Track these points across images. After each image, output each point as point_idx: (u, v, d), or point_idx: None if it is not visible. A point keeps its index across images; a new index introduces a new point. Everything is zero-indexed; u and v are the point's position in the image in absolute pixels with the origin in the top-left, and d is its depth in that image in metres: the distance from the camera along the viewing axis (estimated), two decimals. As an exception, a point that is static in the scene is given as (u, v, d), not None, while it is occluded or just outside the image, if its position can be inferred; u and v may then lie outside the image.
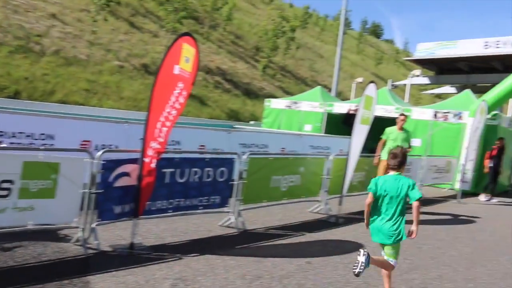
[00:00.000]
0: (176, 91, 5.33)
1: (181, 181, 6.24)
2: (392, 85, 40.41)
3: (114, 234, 5.87)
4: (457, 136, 15.29)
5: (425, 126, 16.22)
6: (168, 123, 5.39)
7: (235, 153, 7.12)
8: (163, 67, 5.31)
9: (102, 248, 5.36)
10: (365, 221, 4.89)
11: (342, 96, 42.09)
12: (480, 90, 36.53)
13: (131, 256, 5.28)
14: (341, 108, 19.55)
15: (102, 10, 27.84)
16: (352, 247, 6.72)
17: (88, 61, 23.94)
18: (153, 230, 6.35)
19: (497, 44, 35.57)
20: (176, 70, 5.29)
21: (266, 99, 22.81)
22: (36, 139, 7.02)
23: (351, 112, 17.59)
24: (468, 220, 10.00)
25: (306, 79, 47.95)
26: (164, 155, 5.75)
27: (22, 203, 4.76)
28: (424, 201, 11.86)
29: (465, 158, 13.30)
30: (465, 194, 13.81)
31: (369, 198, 4.73)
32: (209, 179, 6.63)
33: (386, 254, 4.77)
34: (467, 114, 14.96)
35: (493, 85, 17.43)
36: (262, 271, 5.29)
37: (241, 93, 35.84)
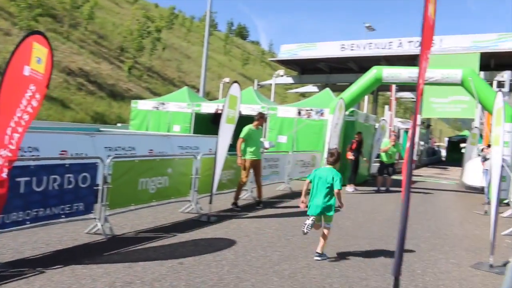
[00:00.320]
0: (28, 94, 4.88)
1: (39, 189, 5.79)
2: (258, 84, 41.65)
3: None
4: (320, 132, 16.21)
5: (290, 123, 16.97)
6: (20, 129, 4.91)
7: (98, 158, 6.79)
8: (10, 68, 4.81)
9: None
10: (302, 198, 6.59)
11: (210, 96, 42.49)
12: (339, 89, 39.10)
13: (-17, 275, 4.79)
14: (208, 108, 19.71)
15: None
16: (224, 244, 6.78)
17: None
18: (9, 244, 5.83)
19: (352, 47, 38.41)
20: (26, 71, 4.85)
21: (133, 101, 22.22)
22: None
23: (219, 111, 17.78)
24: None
25: (174, 79, 47.60)
26: (18, 163, 5.29)
27: None
28: (292, 195, 12.45)
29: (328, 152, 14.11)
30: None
31: (306, 184, 6.61)
32: (70, 186, 6.23)
33: (325, 221, 6.56)
34: (327, 111, 15.92)
35: (350, 84, 18.73)
36: (132, 276, 5.11)
37: (107, 95, 34.54)
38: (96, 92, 33.78)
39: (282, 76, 40.10)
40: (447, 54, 31.86)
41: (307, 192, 6.55)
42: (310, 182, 6.54)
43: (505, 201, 12.38)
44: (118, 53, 43.85)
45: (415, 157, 32.47)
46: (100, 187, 6.59)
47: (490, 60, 34.55)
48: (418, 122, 34.26)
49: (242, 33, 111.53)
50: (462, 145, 27.33)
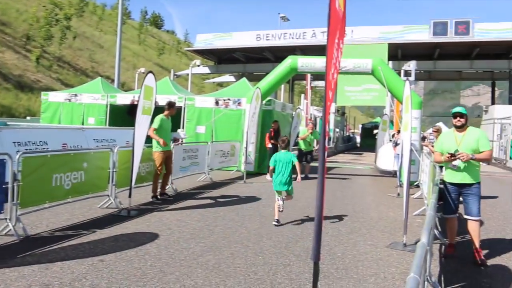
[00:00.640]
0: None
1: None
2: (175, 75, 41.12)
3: None
4: (238, 122, 16.29)
5: (208, 114, 16.89)
6: None
7: (6, 154, 6.35)
8: None
9: None
10: (269, 173, 8.70)
11: (125, 87, 41.30)
12: (256, 78, 39.52)
13: None
14: (124, 99, 19.16)
15: None
16: (146, 238, 6.63)
17: None
18: None
19: (267, 37, 38.85)
20: None
21: (43, 92, 21.11)
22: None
23: (135, 102, 17.34)
24: (254, 198, 10.71)
25: (87, 70, 45.74)
26: None
27: None
28: (213, 185, 12.44)
29: (247, 142, 14.22)
30: (250, 174, 14.83)
31: (271, 167, 8.35)
32: (-25, 185, 5.81)
33: (288, 193, 8.39)
34: (245, 101, 16.01)
35: (266, 73, 18.94)
36: (50, 278, 4.86)
37: (13, 87, 32.53)
38: (0, 83, 31.70)
39: (198, 66, 39.83)
40: (357, 44, 33.13)
41: (272, 171, 8.36)
42: (274, 166, 8.27)
43: (415, 183, 13.12)
44: (24, 42, 41.33)
45: (331, 144, 33.61)
46: (9, 185, 6.18)
47: (397, 51, 36.42)
48: (333, 110, 35.49)
49: (156, 22, 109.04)
50: (375, 131, 28.64)
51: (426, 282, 4.29)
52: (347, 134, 52.21)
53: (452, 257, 6.34)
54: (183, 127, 17.06)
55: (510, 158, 26.12)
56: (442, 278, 5.49)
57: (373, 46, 31.88)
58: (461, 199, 6.33)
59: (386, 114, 24.63)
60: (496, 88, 47.24)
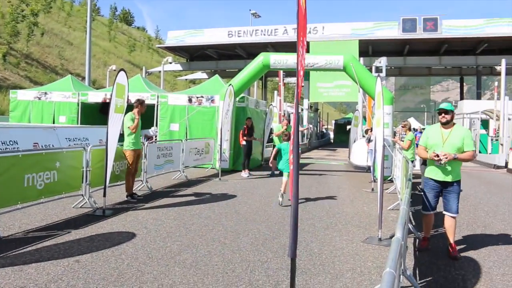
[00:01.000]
0: None
1: None
2: (147, 72, 40.70)
3: None
4: (212, 119, 16.26)
5: (182, 111, 16.79)
6: None
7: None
8: None
9: None
10: (271, 160, 10.78)
11: (96, 85, 40.74)
12: (228, 75, 39.44)
13: None
14: (96, 97, 18.90)
15: None
16: (122, 237, 6.57)
17: None
18: None
19: (239, 33, 38.81)
20: None
21: (12, 91, 20.60)
22: None
23: (107, 100, 17.13)
24: (230, 196, 10.71)
25: (56, 67, 44.88)
26: None
27: None
28: (188, 183, 12.40)
29: (221, 139, 14.21)
30: (225, 171, 14.83)
31: (274, 151, 10.49)
32: None
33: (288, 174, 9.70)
34: (218, 98, 15.98)
35: (239, 70, 18.92)
36: (24, 280, 4.77)
37: (-21, 85, 31.67)
38: (-35, 82, 30.90)
39: (171, 63, 39.52)
40: (329, 41, 33.40)
41: (274, 157, 10.42)
42: (278, 150, 10.35)
43: (389, 178, 13.33)
44: (-11, 39, 40.29)
45: (305, 140, 33.83)
46: (-20, 186, 6.05)
47: (368, 47, 36.89)
48: (306, 106, 35.72)
49: (126, 18, 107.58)
50: (348, 127, 28.96)
51: (401, 276, 4.38)
52: (321, 130, 52.62)
53: (426, 250, 6.46)
54: (156, 125, 16.94)
55: (480, 152, 26.77)
56: (417, 271, 5.60)
57: (344, 43, 32.24)
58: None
59: (357, 110, 24.93)
60: (464, 84, 48.26)
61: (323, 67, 15.89)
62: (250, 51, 40.24)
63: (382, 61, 21.36)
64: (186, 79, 59.35)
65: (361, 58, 27.86)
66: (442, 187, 6.27)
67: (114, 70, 35.09)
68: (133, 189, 10.01)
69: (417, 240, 6.97)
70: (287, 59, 15.68)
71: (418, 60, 39.74)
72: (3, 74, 36.23)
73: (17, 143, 11.33)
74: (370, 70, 21.58)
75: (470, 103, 33.74)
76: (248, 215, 8.53)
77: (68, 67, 46.44)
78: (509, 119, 24.19)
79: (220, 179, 13.56)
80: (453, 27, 34.60)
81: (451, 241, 6.26)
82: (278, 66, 16.14)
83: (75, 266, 5.27)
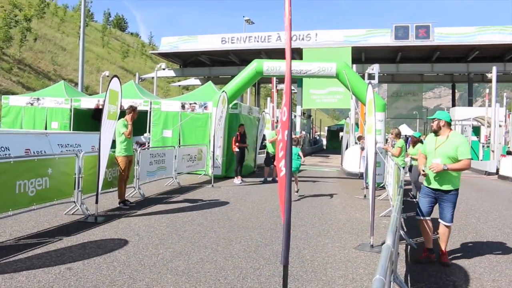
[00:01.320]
0: None
1: None
2: (140, 78, 40.66)
3: None
4: (205, 126, 16.27)
5: (175, 117, 16.79)
6: None
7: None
8: None
9: None
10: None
11: (89, 91, 40.66)
12: (221, 82, 39.49)
13: None
14: (89, 103, 18.87)
15: None
16: (114, 245, 6.55)
17: None
18: None
19: (232, 40, 38.89)
20: None
21: (4, 96, 20.55)
22: None
23: (100, 106, 17.12)
24: (222, 203, 10.70)
25: (49, 73, 44.73)
26: None
27: None
28: (181, 189, 12.39)
29: (214, 145, 14.21)
30: (218, 178, 14.82)
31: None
32: None
33: (295, 173, 12.01)
34: (211, 105, 15.99)
35: (232, 76, 18.97)
36: None
37: (-29, 91, 31.50)
38: (-43, 87, 30.73)
39: (164, 69, 39.49)
40: (322, 48, 33.54)
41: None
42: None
43: (381, 185, 13.38)
44: (-18, 44, 40.11)
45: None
46: (-28, 193, 6.02)
47: (361, 54, 37.07)
48: (299, 113, 35.79)
49: (120, 24, 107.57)
50: (341, 134, 29.07)
51: (393, 283, 4.40)
52: (314, 136, 52.71)
53: (426, 262, 6.24)
54: (149, 131, 16.93)
55: (472, 159, 26.89)
56: (409, 278, 5.63)
57: (337, 50, 32.41)
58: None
59: (348, 117, 25.03)
60: (456, 91, 48.59)
61: (316, 74, 15.96)
62: (243, 57, 40.33)
63: (374, 68, 21.46)
64: (179, 85, 59.31)
65: (354, 65, 28.00)
66: (437, 195, 6.19)
67: (107, 76, 35.03)
68: (126, 195, 9.99)
69: (409, 246, 7.00)
70: (280, 66, 15.74)
71: (411, 67, 39.99)
72: (-5, 80, 36.09)
73: (8, 149, 11.29)
74: (363, 77, 21.71)
75: (461, 110, 33.98)
76: (241, 222, 8.54)
77: (61, 73, 46.31)
78: (500, 126, 24.38)
79: (212, 185, 13.56)
80: (445, 35, 34.87)
81: (443, 248, 6.25)
82: (271, 73, 16.19)
83: (66, 273, 5.25)
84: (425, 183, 6.34)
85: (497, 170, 21.25)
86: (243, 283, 5.21)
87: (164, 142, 16.52)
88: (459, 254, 6.72)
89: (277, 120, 29.31)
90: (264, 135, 19.21)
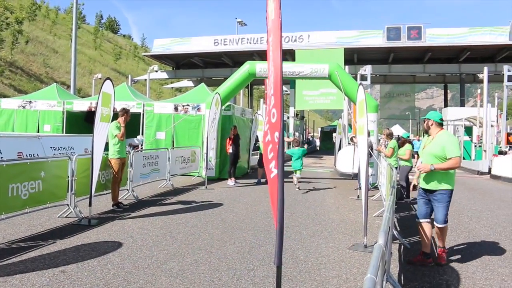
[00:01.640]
0: None
1: None
2: (133, 80, 40.57)
3: None
4: (198, 127, 16.28)
5: (168, 120, 16.79)
6: None
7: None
8: None
9: None
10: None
11: (82, 93, 40.51)
12: (214, 83, 39.48)
13: None
14: (81, 105, 18.82)
15: None
16: (108, 247, 6.55)
17: None
18: None
19: (225, 42, 38.89)
20: None
21: (-5, 99, 20.41)
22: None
23: (93, 109, 17.07)
24: (216, 204, 10.71)
25: (41, 75, 44.53)
26: None
27: None
28: (175, 191, 12.38)
29: (207, 147, 14.21)
30: (212, 180, 14.82)
31: (288, 155, 14.32)
32: None
33: (298, 173, 14.03)
34: (204, 106, 16.00)
35: (225, 78, 18.97)
36: (8, 291, 4.75)
37: (-38, 94, 31.31)
38: (-51, 91, 30.53)
39: (157, 71, 39.43)
40: (314, 49, 33.60)
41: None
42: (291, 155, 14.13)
43: (374, 185, 13.43)
44: (-27, 47, 39.89)
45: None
46: (-36, 197, 5.99)
47: (353, 55, 37.17)
48: (292, 114, 35.82)
49: (112, 26, 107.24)
50: (334, 134, 29.14)
51: (387, 282, 4.43)
52: (307, 137, 52.80)
53: (421, 265, 6.16)
54: (142, 134, 16.92)
55: (464, 159, 27.05)
56: (402, 277, 5.66)
57: (329, 51, 32.45)
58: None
59: (340, 118, 25.11)
60: (448, 91, 48.85)
61: (308, 76, 16.00)
62: (236, 59, 40.33)
63: (367, 69, 21.51)
64: (172, 87, 59.28)
65: (346, 66, 28.12)
66: (429, 195, 6.15)
67: (100, 79, 34.94)
68: (119, 198, 9.98)
69: (403, 246, 7.04)
70: (272, 68, 15.73)
71: (403, 68, 40.15)
72: (-13, 83, 35.90)
73: (1, 153, 11.23)
74: (356, 78, 21.75)
75: (454, 110, 34.11)
76: (235, 223, 8.55)
77: (53, 76, 46.13)
78: (491, 126, 24.52)
79: (206, 187, 13.56)
80: (436, 36, 35.05)
81: (439, 247, 6.28)
82: (264, 75, 16.21)
83: (60, 276, 5.24)
84: (420, 184, 6.31)
85: (489, 169, 21.38)
86: (237, 284, 5.23)
87: (157, 144, 16.51)
88: (452, 253, 6.76)
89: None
90: (257, 137, 19.23)
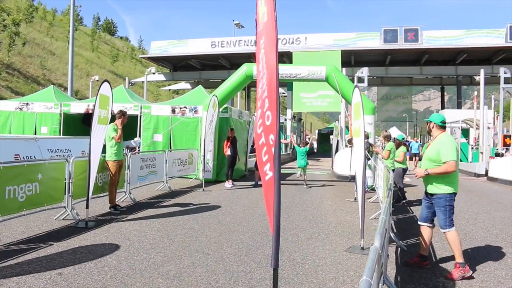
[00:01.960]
0: None
1: None
2: (130, 82, 40.56)
3: None
4: (195, 130, 16.29)
5: (165, 122, 16.79)
6: None
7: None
8: None
9: None
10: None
11: (79, 95, 40.46)
12: (212, 85, 39.48)
13: None
14: (78, 107, 18.82)
15: None
16: (105, 249, 6.54)
17: None
18: None
19: (222, 44, 38.93)
20: None
21: (-8, 101, 20.38)
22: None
23: (90, 111, 17.07)
24: (213, 207, 10.72)
25: (38, 77, 44.46)
26: None
27: None
28: (172, 194, 12.37)
29: (204, 149, 14.22)
30: (209, 182, 14.82)
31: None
32: None
33: (303, 169, 15.59)
34: (201, 109, 16.01)
35: (222, 80, 18.99)
36: (5, 293, 4.74)
37: (-41, 96, 31.23)
38: None
39: (154, 73, 39.39)
40: (311, 51, 33.66)
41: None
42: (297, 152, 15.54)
43: (371, 187, 13.45)
44: (-30, 49, 39.79)
45: (289, 150, 33.94)
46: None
47: (350, 57, 37.24)
48: (289, 116, 35.86)
49: (109, 28, 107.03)
50: (331, 137, 29.21)
51: (383, 284, 4.45)
52: (304, 139, 52.79)
53: (417, 267, 6.17)
54: (139, 136, 16.91)
55: (461, 161, 27.11)
56: (399, 279, 5.67)
57: (327, 53, 32.49)
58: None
59: (337, 120, 25.15)
60: (445, 93, 48.97)
61: (306, 78, 16.03)
62: (233, 61, 40.36)
63: (364, 71, 21.55)
64: (169, 90, 59.26)
65: (344, 68, 28.10)
66: (431, 199, 6.06)
67: (97, 81, 34.91)
68: (116, 200, 9.98)
69: (399, 248, 7.06)
70: (270, 70, 15.75)
71: (400, 70, 40.27)
72: (-16, 85, 35.82)
73: (-3, 155, 11.21)
74: (353, 80, 21.80)
75: (451, 112, 34.21)
76: (232, 226, 8.56)
77: (50, 78, 46.06)
78: (488, 128, 24.59)
79: (203, 189, 13.56)
80: (433, 38, 35.17)
81: (455, 258, 5.92)
82: (261, 77, 16.21)
83: (57, 279, 5.24)
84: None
85: (486, 171, 21.43)
86: (234, 287, 5.23)
87: (154, 147, 16.51)
88: (448, 256, 6.77)
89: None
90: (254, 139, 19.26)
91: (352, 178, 14.98)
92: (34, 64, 47.10)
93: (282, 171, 19.66)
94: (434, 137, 6.16)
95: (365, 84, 20.97)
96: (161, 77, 45.55)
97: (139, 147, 16.57)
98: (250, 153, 19.39)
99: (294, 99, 33.27)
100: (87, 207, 8.34)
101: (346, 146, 19.04)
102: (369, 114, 14.89)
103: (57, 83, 43.11)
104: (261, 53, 4.30)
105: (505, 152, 22.45)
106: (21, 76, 42.40)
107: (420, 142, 30.09)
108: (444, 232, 5.98)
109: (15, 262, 5.83)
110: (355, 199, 12.26)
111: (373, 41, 35.96)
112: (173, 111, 16.79)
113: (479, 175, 21.75)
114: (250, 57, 37.21)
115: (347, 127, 24.21)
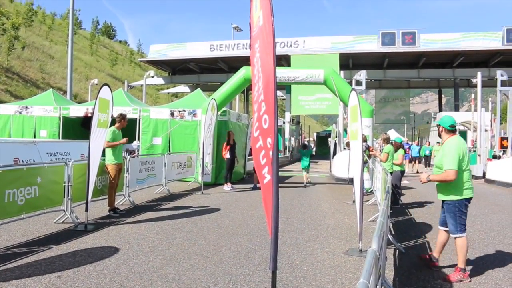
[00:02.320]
0: None
1: None
2: (129, 86, 40.58)
3: None
4: (194, 133, 16.31)
5: (164, 125, 16.82)
6: None
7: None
8: None
9: None
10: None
11: (78, 99, 40.46)
12: (210, 89, 39.47)
13: None
14: (78, 111, 18.84)
15: None
16: (104, 252, 6.57)
17: None
18: None
19: (221, 47, 38.99)
20: None
21: (-9, 105, 20.38)
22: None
23: (89, 115, 17.10)
24: (212, 210, 10.74)
25: (37, 81, 44.45)
26: None
27: None
28: (171, 197, 12.39)
29: (203, 153, 14.25)
30: (208, 185, 14.85)
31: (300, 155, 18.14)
32: None
33: (307, 170, 16.88)
34: (200, 112, 16.04)
35: (221, 83, 19.03)
36: (5, 296, 4.77)
37: (-42, 99, 31.22)
38: None
39: (153, 76, 39.41)
40: (309, 54, 33.74)
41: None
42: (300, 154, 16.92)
43: (369, 190, 13.48)
44: (-31, 52, 39.79)
45: (287, 153, 33.97)
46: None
47: (348, 60, 37.32)
48: (287, 119, 35.90)
49: (108, 32, 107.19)
50: (330, 139, 29.27)
51: (381, 287, 4.48)
52: (303, 142, 52.83)
53: (424, 264, 6.36)
54: (138, 139, 16.94)
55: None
56: (397, 282, 5.70)
57: (325, 56, 32.60)
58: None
59: (334, 123, 25.21)
60: (443, 96, 49.06)
61: (304, 81, 16.08)
62: (232, 64, 40.43)
63: (362, 74, 21.59)
64: (168, 93, 59.29)
65: (342, 71, 28.19)
66: (443, 205, 6.12)
67: (96, 84, 34.93)
68: (115, 203, 10.00)
69: (398, 251, 7.09)
70: (268, 73, 15.79)
71: (398, 73, 40.37)
72: (-17, 88, 35.81)
73: (-3, 159, 11.22)
74: (351, 83, 21.84)
75: (448, 114, 34.30)
76: (231, 229, 8.58)
77: (49, 81, 46.05)
78: (486, 130, 24.63)
79: (202, 192, 13.59)
80: (430, 41, 35.29)
81: (457, 263, 5.91)
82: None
83: (56, 282, 5.26)
84: None
85: (484, 174, 21.47)
86: (233, 289, 5.26)
87: (153, 150, 16.54)
88: (446, 258, 6.80)
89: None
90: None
91: (350, 181, 15.01)
92: (34, 67, 47.10)
93: (281, 173, 19.71)
94: (443, 141, 6.16)
95: (363, 87, 21.01)
96: (160, 81, 45.59)
97: (138, 151, 16.60)
98: (248, 156, 19.44)
99: (292, 102, 33.35)
100: (86, 210, 8.36)
101: (344, 148, 19.08)
102: (367, 116, 14.94)
103: (56, 86, 43.13)
104: (256, 57, 4.32)
105: (502, 154, 22.48)
106: (20, 79, 42.40)
107: (419, 144, 30.10)
108: (454, 238, 5.97)
109: (15, 265, 5.84)
110: (353, 201, 12.29)
111: (371, 44, 36.06)
112: (172, 114, 16.82)
113: (476, 178, 21.76)
114: (248, 60, 37.13)
115: (345, 130, 24.28)
